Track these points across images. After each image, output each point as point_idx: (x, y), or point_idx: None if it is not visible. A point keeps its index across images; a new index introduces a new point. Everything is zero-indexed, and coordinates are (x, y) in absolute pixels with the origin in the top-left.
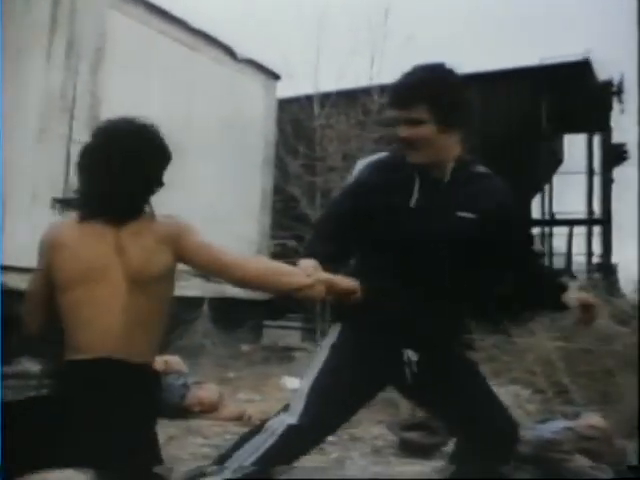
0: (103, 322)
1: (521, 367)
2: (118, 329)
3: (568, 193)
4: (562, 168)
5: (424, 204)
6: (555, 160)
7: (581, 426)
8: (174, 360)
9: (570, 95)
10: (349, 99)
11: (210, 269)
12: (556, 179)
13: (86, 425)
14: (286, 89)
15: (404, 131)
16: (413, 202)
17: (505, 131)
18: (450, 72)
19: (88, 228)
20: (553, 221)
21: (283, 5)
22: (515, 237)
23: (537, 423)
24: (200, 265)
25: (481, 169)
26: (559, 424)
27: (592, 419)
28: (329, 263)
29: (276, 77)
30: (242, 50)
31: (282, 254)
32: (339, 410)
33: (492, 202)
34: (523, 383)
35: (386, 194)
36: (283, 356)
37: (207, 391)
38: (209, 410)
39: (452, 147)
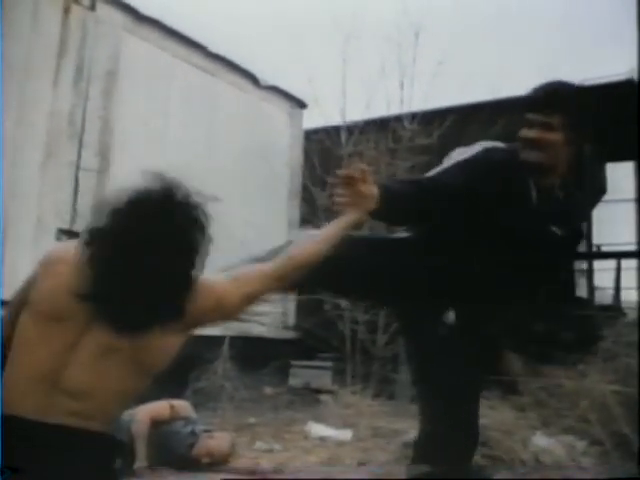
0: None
1: (574, 414)
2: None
3: (611, 223)
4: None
5: (535, 207)
6: (599, 189)
7: None
8: (182, 405)
9: (614, 119)
10: (378, 126)
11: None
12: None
13: None
14: (312, 115)
15: (532, 132)
16: (531, 204)
17: None
18: (589, 93)
19: None
20: (600, 254)
21: (307, 29)
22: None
23: None
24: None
25: (578, 193)
26: None
27: None
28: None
29: (302, 105)
30: (265, 76)
31: None
32: None
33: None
34: (578, 433)
35: (504, 186)
36: (310, 399)
37: (218, 440)
38: (220, 462)
39: (565, 162)
